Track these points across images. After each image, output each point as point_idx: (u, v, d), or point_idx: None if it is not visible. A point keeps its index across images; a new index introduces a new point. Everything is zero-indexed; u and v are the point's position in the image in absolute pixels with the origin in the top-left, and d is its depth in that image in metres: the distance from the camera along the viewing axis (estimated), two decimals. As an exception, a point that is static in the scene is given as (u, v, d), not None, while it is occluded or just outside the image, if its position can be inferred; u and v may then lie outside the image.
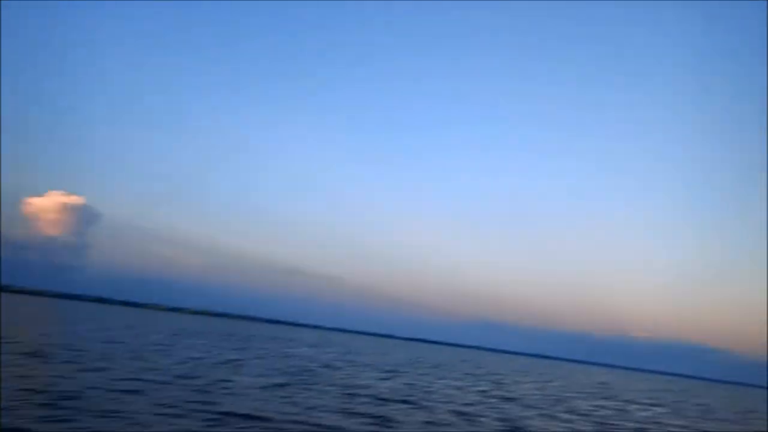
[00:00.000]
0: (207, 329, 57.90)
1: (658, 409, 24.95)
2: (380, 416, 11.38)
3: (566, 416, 16.16)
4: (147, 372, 14.29)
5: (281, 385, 14.77)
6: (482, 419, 13.01)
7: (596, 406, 21.59)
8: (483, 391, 21.13)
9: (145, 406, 9.44)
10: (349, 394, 14.60)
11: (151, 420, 8.33)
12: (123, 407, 9.07)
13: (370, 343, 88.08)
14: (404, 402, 14.22)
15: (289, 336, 71.88)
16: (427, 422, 11.44)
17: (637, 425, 16.51)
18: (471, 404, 15.86)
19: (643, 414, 21.14)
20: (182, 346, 26.83)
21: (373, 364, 29.63)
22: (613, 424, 15.71)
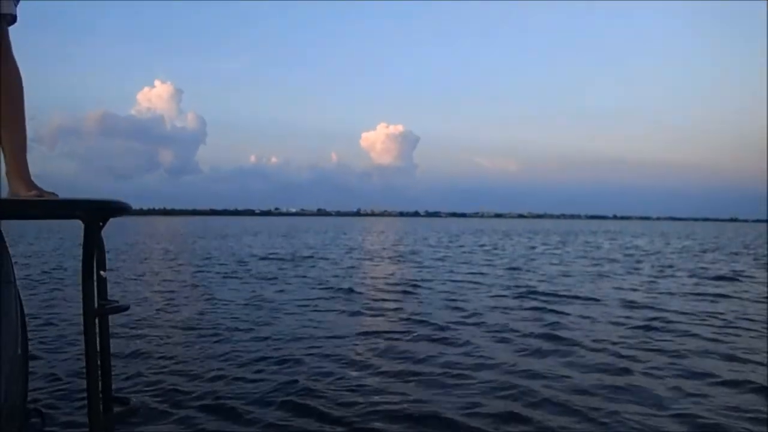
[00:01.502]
0: (531, 230, 61.24)
1: None
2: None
3: None
4: (482, 266, 17.11)
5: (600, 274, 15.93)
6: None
7: None
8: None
9: (478, 294, 11.89)
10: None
11: (471, 296, 10.66)
12: (459, 299, 11.63)
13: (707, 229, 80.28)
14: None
15: (612, 229, 70.65)
16: None
17: None
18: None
19: None
20: (509, 244, 29.91)
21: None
22: None
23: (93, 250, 1.33)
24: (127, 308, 1.44)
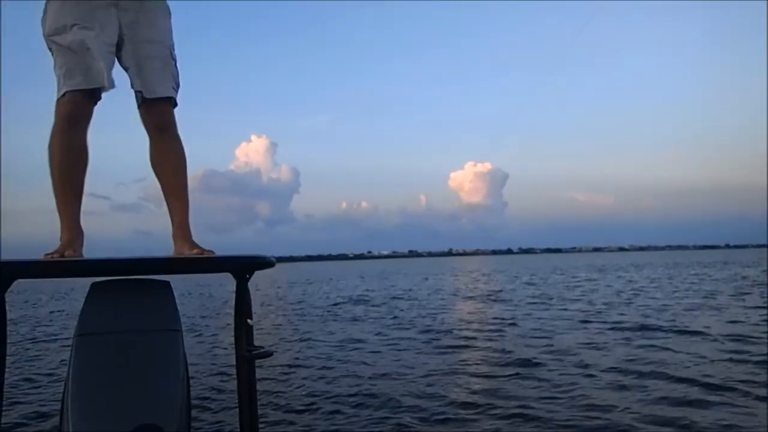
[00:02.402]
0: (633, 263, 58.22)
1: None
2: None
3: None
4: (578, 302, 16.68)
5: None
6: None
7: None
8: None
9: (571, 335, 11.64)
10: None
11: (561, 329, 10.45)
12: (553, 335, 11.46)
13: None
14: None
15: (725, 259, 65.62)
16: None
17: None
18: None
19: None
20: (606, 281, 28.71)
21: None
22: None
23: (242, 301, 1.48)
24: (271, 354, 1.57)
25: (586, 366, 7.45)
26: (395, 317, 14.23)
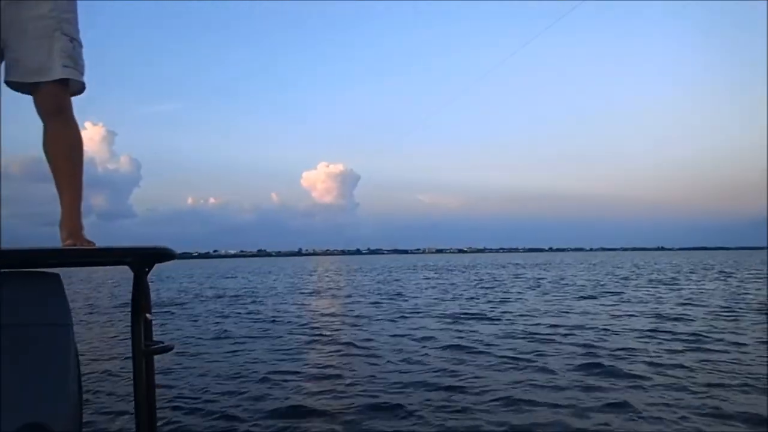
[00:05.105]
0: (466, 264, 62.71)
1: None
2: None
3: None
4: (410, 299, 17.71)
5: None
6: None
7: None
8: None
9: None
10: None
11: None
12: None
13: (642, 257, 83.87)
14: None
15: (544, 261, 73.17)
16: None
17: None
18: None
19: None
20: (441, 280, 30.75)
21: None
22: None
23: (141, 295, 1.41)
24: (171, 348, 1.49)
25: (396, 350, 8.20)
26: (240, 313, 14.12)
